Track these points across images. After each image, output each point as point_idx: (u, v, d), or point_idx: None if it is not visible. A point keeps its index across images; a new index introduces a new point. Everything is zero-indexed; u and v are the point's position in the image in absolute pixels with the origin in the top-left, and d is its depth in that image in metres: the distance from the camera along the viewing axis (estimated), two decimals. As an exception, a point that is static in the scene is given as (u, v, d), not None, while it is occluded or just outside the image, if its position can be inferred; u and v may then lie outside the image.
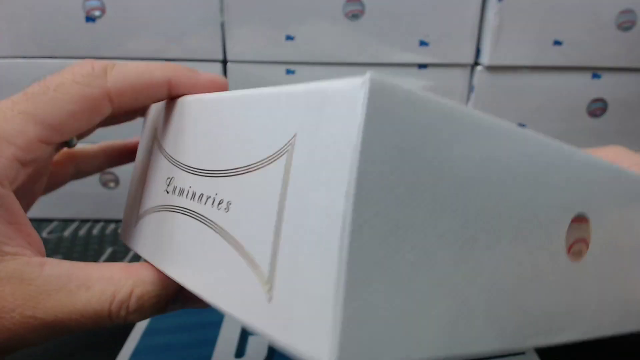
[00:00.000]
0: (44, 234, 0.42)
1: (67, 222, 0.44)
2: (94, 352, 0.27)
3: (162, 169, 0.19)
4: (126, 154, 0.28)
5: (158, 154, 0.20)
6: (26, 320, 0.16)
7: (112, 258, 0.37)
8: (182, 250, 0.17)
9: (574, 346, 0.28)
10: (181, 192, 0.17)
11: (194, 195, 0.16)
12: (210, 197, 0.16)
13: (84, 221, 0.44)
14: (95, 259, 0.37)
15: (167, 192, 0.18)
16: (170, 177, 0.18)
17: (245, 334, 0.28)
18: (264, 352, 0.26)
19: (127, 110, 0.20)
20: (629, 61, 0.40)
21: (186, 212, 0.17)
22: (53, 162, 0.24)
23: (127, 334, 0.28)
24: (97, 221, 0.44)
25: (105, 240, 0.40)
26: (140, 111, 0.24)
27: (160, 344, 0.27)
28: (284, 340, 0.12)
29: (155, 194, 0.19)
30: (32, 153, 0.18)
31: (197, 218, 0.16)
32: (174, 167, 0.18)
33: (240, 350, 0.27)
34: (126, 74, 0.19)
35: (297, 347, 0.11)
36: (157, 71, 0.20)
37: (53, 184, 0.25)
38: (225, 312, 0.14)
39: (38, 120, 0.18)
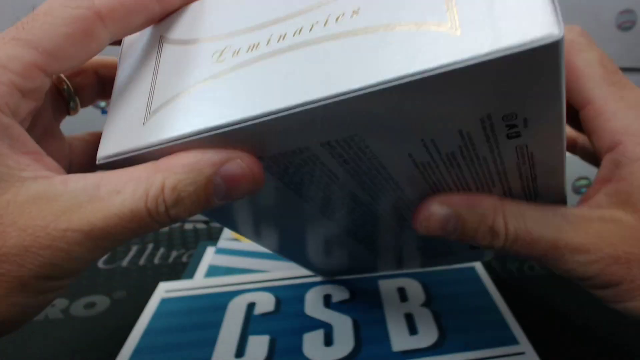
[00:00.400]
0: (44, 234, 0.42)
1: (67, 222, 0.44)
2: (94, 352, 0.27)
3: (196, 54, 0.18)
4: None
5: (177, 49, 0.19)
6: (63, 234, 0.15)
7: (112, 258, 0.38)
8: (280, 85, 0.15)
9: (574, 346, 0.28)
10: (255, 45, 0.17)
11: (297, 29, 0.16)
12: (318, 21, 0.16)
13: (84, 221, 0.44)
14: (95, 259, 0.37)
15: (223, 61, 0.17)
16: (222, 49, 0.17)
17: (245, 334, 0.28)
18: (264, 352, 0.27)
19: (124, 34, 0.20)
20: (629, 61, 0.40)
21: (281, 50, 0.16)
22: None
23: (127, 334, 0.28)
24: (97, 221, 0.44)
25: (105, 240, 0.41)
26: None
27: (160, 344, 0.27)
28: (501, 45, 0.12)
29: (188, 76, 0.18)
30: (30, 80, 0.17)
31: (307, 44, 0.16)
32: (232, 37, 0.18)
33: (240, 350, 0.27)
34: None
35: (523, 39, 0.12)
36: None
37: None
38: (388, 84, 0.14)
39: (32, 45, 0.17)
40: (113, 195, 0.16)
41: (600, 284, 0.19)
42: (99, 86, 0.23)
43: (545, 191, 0.20)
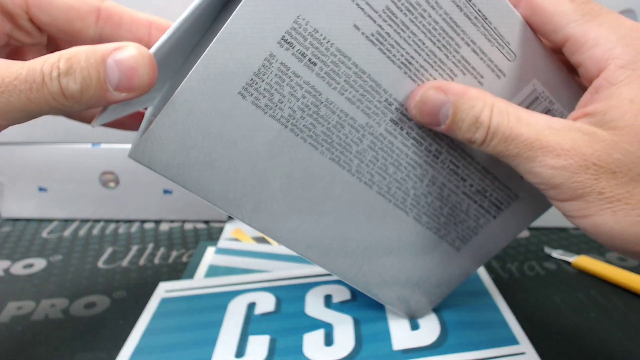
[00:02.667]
0: (44, 234, 0.42)
1: (67, 222, 0.44)
2: (94, 352, 0.27)
3: None
4: None
5: None
6: None
7: (112, 258, 0.38)
8: None
9: (574, 346, 0.28)
10: None
11: None
12: None
13: (84, 221, 0.44)
14: (95, 259, 0.37)
15: None
16: None
17: (245, 334, 0.28)
18: (264, 352, 0.27)
19: (107, 35, 0.24)
20: (629, 61, 0.40)
21: None
22: None
23: (127, 334, 0.28)
24: (97, 221, 0.44)
25: (105, 240, 0.40)
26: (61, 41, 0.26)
27: (160, 344, 0.27)
28: None
29: None
30: (13, 6, 0.22)
31: None
32: None
33: (240, 350, 0.27)
34: None
35: None
36: None
37: None
38: None
39: None
40: (15, 62, 0.19)
41: (566, 194, 0.19)
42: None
43: (514, 41, 0.22)
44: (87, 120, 0.28)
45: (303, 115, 0.21)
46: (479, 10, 0.20)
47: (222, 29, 0.19)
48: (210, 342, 0.27)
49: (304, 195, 0.23)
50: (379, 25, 0.20)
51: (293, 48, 0.20)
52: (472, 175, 0.25)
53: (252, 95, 0.20)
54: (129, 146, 0.29)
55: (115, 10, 0.24)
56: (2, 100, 0.19)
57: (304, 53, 0.20)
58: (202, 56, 0.19)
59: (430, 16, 0.20)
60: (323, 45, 0.20)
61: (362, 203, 0.24)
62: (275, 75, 0.20)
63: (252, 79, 0.20)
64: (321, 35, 0.20)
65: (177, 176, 0.21)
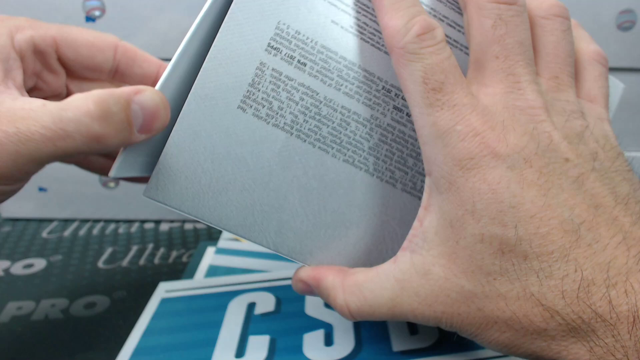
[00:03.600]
0: (44, 234, 0.42)
1: (67, 222, 0.44)
2: (94, 352, 0.27)
3: None
4: None
5: None
6: None
7: (112, 258, 0.38)
8: None
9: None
10: None
11: None
12: None
13: (84, 221, 0.44)
14: (95, 259, 0.37)
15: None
16: None
17: (245, 334, 0.28)
18: (264, 352, 0.27)
19: (123, 68, 0.26)
20: (629, 61, 0.40)
21: None
22: None
23: (127, 334, 0.28)
24: (97, 221, 0.44)
25: (105, 240, 0.41)
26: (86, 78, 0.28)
27: (160, 344, 0.27)
28: None
29: None
30: (42, 41, 0.24)
31: None
32: None
33: (240, 350, 0.27)
34: (74, 34, 0.25)
35: None
36: (104, 35, 0.26)
37: None
38: None
39: (60, 30, 0.24)
40: (40, 107, 0.19)
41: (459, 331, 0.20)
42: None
43: None
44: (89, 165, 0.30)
45: (306, 119, 0.21)
46: None
47: (211, 47, 0.19)
48: (210, 342, 0.27)
49: (326, 206, 0.22)
50: (355, 17, 0.20)
51: (281, 53, 0.20)
52: None
53: (251, 107, 0.20)
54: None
55: (130, 47, 0.27)
56: (30, 148, 0.18)
57: (292, 55, 0.20)
58: (197, 77, 0.19)
59: None
60: (308, 45, 0.20)
61: (391, 206, 0.22)
62: (270, 82, 0.20)
63: (248, 90, 0.20)
64: (304, 35, 0.20)
65: (192, 209, 0.20)
